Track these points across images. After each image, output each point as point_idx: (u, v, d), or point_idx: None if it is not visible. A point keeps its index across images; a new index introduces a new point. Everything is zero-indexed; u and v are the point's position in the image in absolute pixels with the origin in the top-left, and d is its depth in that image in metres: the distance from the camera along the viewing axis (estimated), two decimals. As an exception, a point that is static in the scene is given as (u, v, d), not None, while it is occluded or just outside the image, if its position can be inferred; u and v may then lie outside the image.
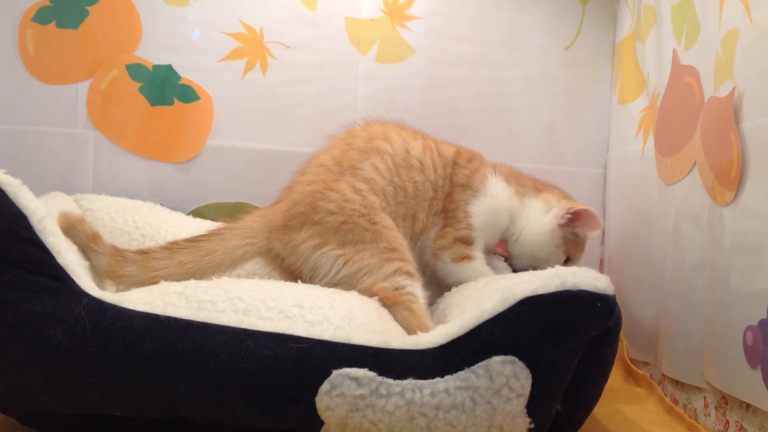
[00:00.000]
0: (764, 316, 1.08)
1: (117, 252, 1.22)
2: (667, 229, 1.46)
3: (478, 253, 1.50)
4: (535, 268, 1.26)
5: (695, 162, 1.32)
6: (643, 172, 1.61)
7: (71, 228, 1.20)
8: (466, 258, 1.48)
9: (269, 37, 1.90)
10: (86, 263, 1.18)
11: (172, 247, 1.27)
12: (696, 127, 1.33)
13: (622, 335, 1.68)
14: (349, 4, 1.90)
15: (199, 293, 1.13)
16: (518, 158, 1.93)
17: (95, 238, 1.21)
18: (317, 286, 1.26)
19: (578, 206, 1.50)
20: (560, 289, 0.99)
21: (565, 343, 0.99)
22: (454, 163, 1.54)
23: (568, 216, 1.50)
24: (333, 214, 1.34)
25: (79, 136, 1.85)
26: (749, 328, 1.12)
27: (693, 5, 1.40)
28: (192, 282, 1.16)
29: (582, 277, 1.01)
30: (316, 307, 1.12)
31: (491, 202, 1.53)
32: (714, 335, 1.24)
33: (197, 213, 1.88)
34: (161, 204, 1.82)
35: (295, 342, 0.97)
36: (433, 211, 1.50)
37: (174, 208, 1.84)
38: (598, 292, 1.00)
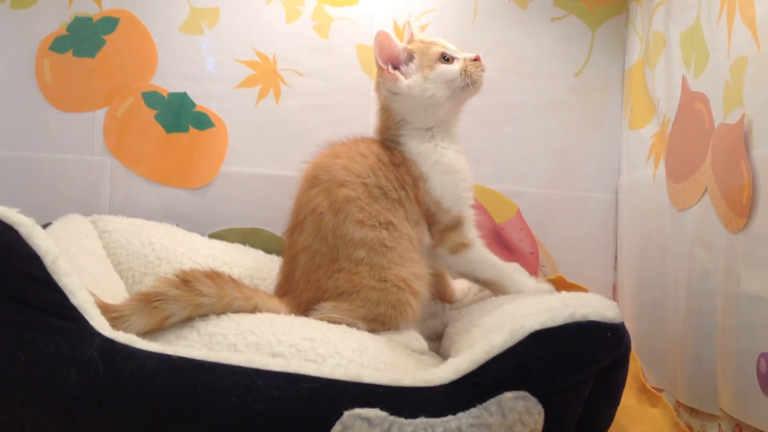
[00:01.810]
0: (777, 343, 1.09)
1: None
2: (680, 255, 1.46)
3: (473, 236, 1.48)
4: None
5: (706, 188, 1.33)
6: (655, 197, 1.61)
7: None
8: (462, 246, 1.46)
9: (282, 64, 1.92)
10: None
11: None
12: (707, 153, 1.33)
13: (637, 358, 1.68)
14: (361, 32, 1.92)
15: (210, 327, 1.15)
16: (528, 183, 1.95)
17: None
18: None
19: None
20: (569, 321, 0.99)
21: (576, 376, 0.99)
22: (394, 165, 1.45)
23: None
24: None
25: (95, 163, 1.87)
26: (762, 355, 1.12)
27: (702, 32, 1.40)
28: (203, 314, 1.17)
29: (591, 307, 1.01)
30: (327, 340, 1.13)
31: (428, 163, 1.46)
32: (728, 362, 1.24)
33: (214, 237, 1.89)
34: (177, 225, 1.83)
35: (306, 382, 0.96)
36: (413, 223, 1.42)
37: (189, 234, 1.85)
38: (607, 321, 1.00)
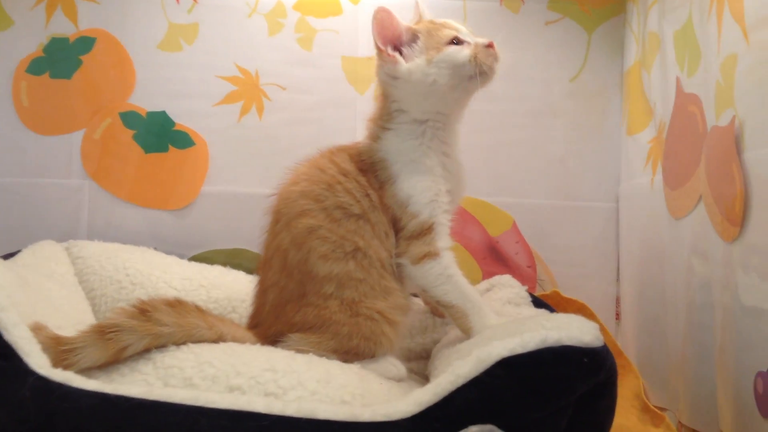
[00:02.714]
0: (774, 363, 0.99)
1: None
2: (678, 266, 1.37)
3: (442, 246, 1.29)
4: None
5: (701, 196, 1.24)
6: (653, 205, 1.52)
7: None
8: (427, 256, 1.27)
9: (265, 79, 1.86)
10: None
11: None
12: (701, 158, 1.24)
13: (640, 376, 1.58)
14: (345, 43, 1.86)
15: (168, 359, 1.08)
16: (524, 194, 1.86)
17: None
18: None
19: None
20: (541, 347, 0.90)
21: (548, 406, 0.90)
22: (361, 171, 1.33)
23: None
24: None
25: (74, 186, 1.83)
26: (759, 374, 1.03)
27: (694, 30, 1.32)
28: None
29: (566, 331, 0.92)
30: (291, 370, 1.06)
31: (403, 161, 1.32)
32: (727, 380, 1.14)
33: (196, 260, 1.83)
34: (155, 248, 1.78)
35: (253, 420, 0.88)
36: (382, 237, 1.31)
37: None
38: (583, 346, 0.91)
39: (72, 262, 1.64)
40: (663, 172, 1.46)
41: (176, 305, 1.17)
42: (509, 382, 0.89)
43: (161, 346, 1.11)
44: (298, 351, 1.21)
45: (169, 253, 1.78)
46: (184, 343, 1.13)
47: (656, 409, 1.50)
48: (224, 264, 1.78)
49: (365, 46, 1.85)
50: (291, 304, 1.27)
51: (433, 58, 1.30)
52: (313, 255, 1.25)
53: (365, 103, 1.85)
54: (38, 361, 0.95)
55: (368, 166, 1.34)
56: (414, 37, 1.34)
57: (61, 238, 1.73)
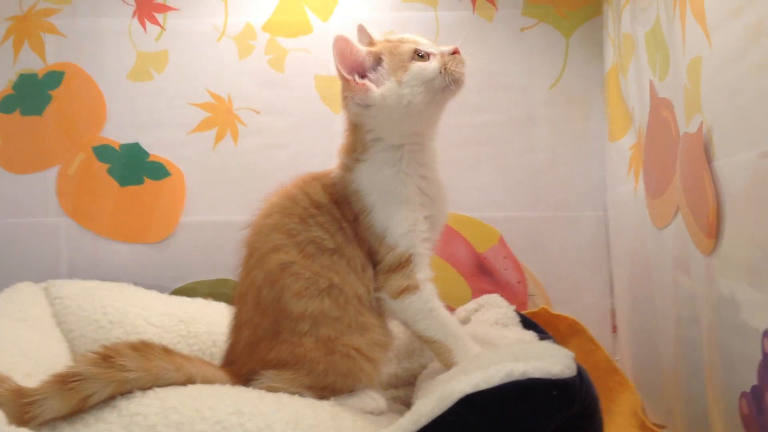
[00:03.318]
0: (756, 382, 0.94)
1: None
2: (665, 278, 1.32)
3: (422, 279, 1.24)
4: None
5: (678, 206, 1.19)
6: (637, 214, 1.47)
7: None
8: (406, 290, 1.22)
9: (238, 103, 1.83)
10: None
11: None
12: (676, 166, 1.19)
13: (637, 392, 1.53)
14: (317, 62, 1.82)
15: (133, 406, 1.04)
16: (509, 207, 1.82)
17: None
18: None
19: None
20: (505, 381, 0.86)
21: (517, 444, 0.87)
22: (335, 203, 1.27)
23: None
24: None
25: (50, 224, 1.81)
26: (743, 394, 0.98)
27: (662, 32, 1.27)
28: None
29: (533, 362, 0.88)
30: (258, 412, 1.01)
31: (377, 192, 1.26)
32: (716, 400, 1.09)
33: (180, 292, 1.80)
34: (135, 283, 1.74)
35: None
36: (359, 271, 1.25)
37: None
38: (552, 378, 0.87)
39: (50, 302, 1.61)
40: (644, 180, 1.41)
41: (141, 348, 1.14)
42: (473, 420, 0.85)
43: (127, 392, 1.08)
44: (272, 388, 1.17)
45: (151, 287, 1.75)
46: (150, 387, 1.10)
47: (654, 427, 1.45)
48: (208, 295, 1.74)
49: (337, 64, 1.82)
50: (265, 342, 1.23)
51: (402, 79, 1.24)
52: (287, 293, 1.21)
53: (341, 123, 1.80)
54: (-10, 419, 0.92)
55: (342, 198, 1.28)
56: (377, 60, 1.26)
57: (42, 278, 1.70)
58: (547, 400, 0.86)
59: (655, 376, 1.45)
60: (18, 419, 0.99)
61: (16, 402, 1.00)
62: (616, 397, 1.54)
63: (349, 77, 1.24)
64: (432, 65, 1.25)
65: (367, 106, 1.25)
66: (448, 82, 1.25)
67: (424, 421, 0.86)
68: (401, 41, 1.29)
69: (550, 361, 0.89)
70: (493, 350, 1.16)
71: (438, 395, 0.87)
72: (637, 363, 1.57)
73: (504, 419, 0.85)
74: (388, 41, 1.30)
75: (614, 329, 1.79)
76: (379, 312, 1.27)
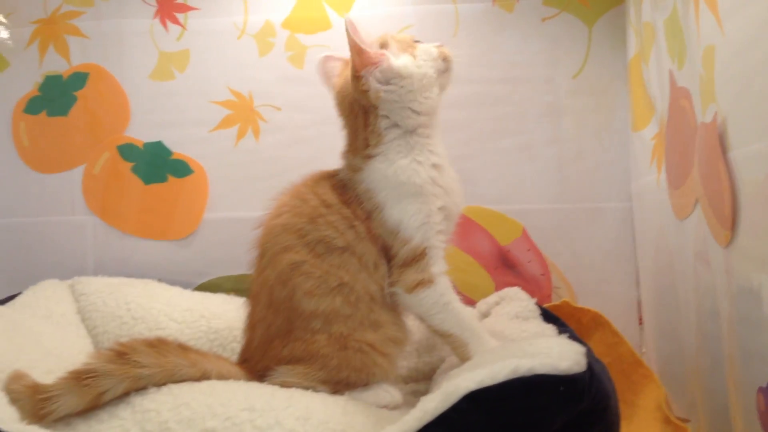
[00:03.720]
0: (772, 377, 0.92)
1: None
2: (686, 270, 1.29)
3: (437, 272, 1.24)
4: None
5: (697, 197, 1.16)
6: (660, 205, 1.43)
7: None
8: (420, 284, 1.22)
9: (259, 100, 1.84)
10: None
11: None
12: (695, 156, 1.17)
13: (662, 385, 1.50)
14: (337, 57, 1.81)
15: (147, 402, 1.06)
16: (533, 200, 1.79)
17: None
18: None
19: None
20: (511, 377, 0.85)
21: (522, 440, 0.85)
22: (344, 203, 1.27)
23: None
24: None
25: (77, 223, 1.84)
26: (760, 390, 0.95)
27: (679, 19, 1.24)
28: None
29: (540, 358, 0.86)
30: (269, 408, 1.02)
31: (389, 188, 1.26)
32: (736, 394, 1.06)
33: (204, 288, 1.82)
34: (159, 280, 1.77)
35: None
36: (371, 269, 1.25)
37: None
38: (559, 374, 0.86)
39: (75, 299, 1.64)
40: (666, 170, 1.38)
41: (156, 345, 1.15)
42: (477, 417, 0.84)
43: (142, 388, 1.09)
44: (286, 383, 1.18)
45: (176, 283, 1.77)
46: (165, 383, 1.11)
47: (678, 421, 1.42)
48: (231, 290, 1.76)
49: (357, 59, 1.81)
50: (278, 340, 1.24)
51: (415, 53, 1.28)
52: (298, 291, 1.22)
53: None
54: (2, 416, 0.94)
55: (352, 199, 1.28)
56: (384, 44, 1.29)
57: (69, 275, 1.73)
58: (554, 396, 0.85)
59: (679, 369, 1.42)
60: (33, 415, 1.01)
61: (32, 398, 1.02)
62: (641, 390, 1.51)
63: (369, 49, 1.24)
64: (433, 47, 1.31)
65: (387, 83, 1.26)
66: (447, 66, 1.31)
67: (428, 418, 0.86)
68: (397, 35, 1.33)
69: (558, 356, 0.88)
70: (503, 346, 1.15)
71: (442, 391, 0.86)
72: (661, 355, 1.54)
73: (509, 416, 0.84)
74: (383, 35, 1.31)
75: (640, 321, 1.75)
76: (393, 308, 1.27)
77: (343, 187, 1.30)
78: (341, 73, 1.36)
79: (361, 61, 1.25)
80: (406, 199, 1.25)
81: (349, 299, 1.21)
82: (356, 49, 1.23)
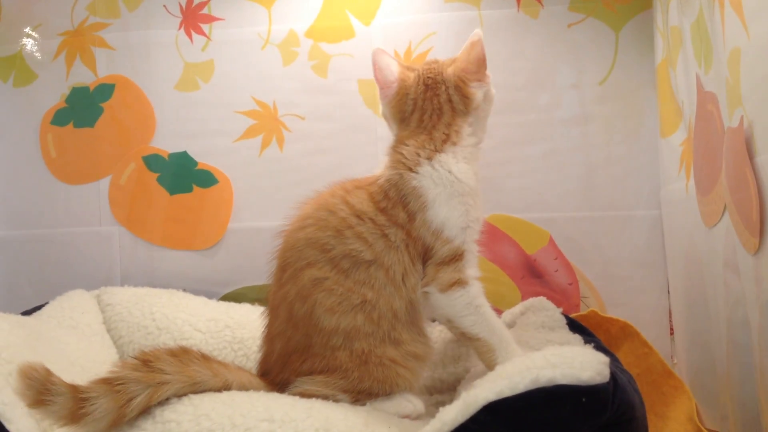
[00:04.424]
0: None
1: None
2: (715, 278, 1.26)
3: (472, 275, 1.25)
4: None
5: (725, 203, 1.13)
6: (688, 213, 1.40)
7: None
8: (456, 284, 1.23)
9: (283, 110, 1.84)
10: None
11: None
12: (722, 162, 1.14)
13: (692, 397, 1.46)
14: (360, 67, 1.80)
15: (167, 412, 1.06)
16: (560, 208, 1.76)
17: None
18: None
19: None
20: (531, 387, 0.83)
21: (543, 453, 0.83)
22: (380, 210, 1.27)
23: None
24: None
25: (104, 233, 1.85)
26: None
27: (705, 23, 1.21)
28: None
29: (561, 369, 0.84)
30: (289, 419, 1.01)
31: (445, 184, 1.27)
32: (767, 406, 1.03)
33: (229, 298, 1.82)
34: (184, 290, 1.77)
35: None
36: (398, 281, 1.24)
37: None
38: (581, 384, 0.83)
39: (101, 309, 1.66)
40: (695, 176, 1.35)
41: (179, 354, 1.15)
42: (497, 429, 0.83)
43: (165, 398, 1.09)
44: (307, 391, 1.18)
45: (201, 293, 1.78)
46: (187, 393, 1.11)
47: (709, 433, 1.38)
48: (256, 300, 1.76)
49: (380, 68, 1.81)
50: (297, 354, 1.23)
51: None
52: (319, 308, 1.21)
53: (385, 127, 1.79)
54: (20, 428, 0.95)
55: (396, 201, 1.28)
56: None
57: (96, 285, 1.75)
58: (576, 407, 0.83)
59: (710, 380, 1.38)
60: (72, 414, 1.00)
61: (73, 396, 1.01)
62: (671, 401, 1.48)
63: (485, 70, 1.36)
64: None
65: (483, 99, 1.35)
66: None
67: (446, 429, 0.84)
68: None
69: (580, 366, 0.86)
70: (524, 356, 1.12)
71: (461, 402, 0.85)
72: (692, 366, 1.51)
73: (529, 427, 0.82)
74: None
75: (671, 331, 1.72)
76: (416, 324, 1.26)
77: (385, 192, 1.29)
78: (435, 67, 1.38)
79: (478, 73, 1.35)
80: (456, 198, 1.27)
81: (372, 317, 1.20)
82: (482, 63, 1.35)
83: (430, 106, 1.34)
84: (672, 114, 1.54)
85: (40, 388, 1.00)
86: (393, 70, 1.37)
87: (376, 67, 1.37)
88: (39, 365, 1.03)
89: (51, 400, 1.00)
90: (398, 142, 1.36)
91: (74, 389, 1.01)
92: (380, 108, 1.44)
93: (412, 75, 1.37)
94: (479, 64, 1.34)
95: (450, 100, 1.33)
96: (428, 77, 1.35)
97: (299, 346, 1.23)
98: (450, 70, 1.35)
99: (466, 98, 1.33)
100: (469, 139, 1.33)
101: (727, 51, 1.04)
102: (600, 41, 1.77)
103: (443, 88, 1.34)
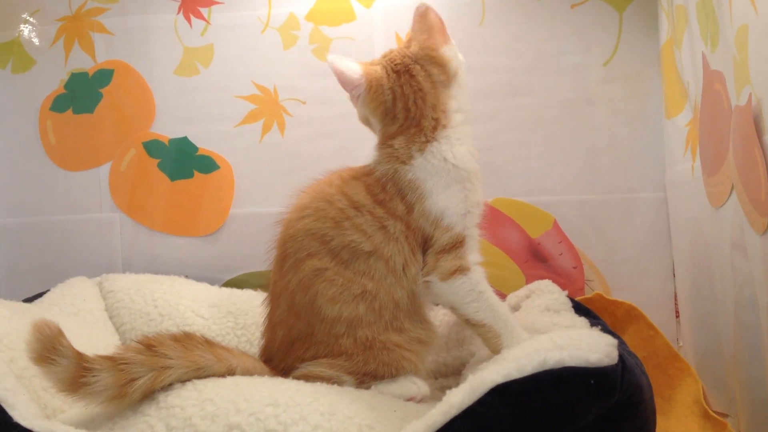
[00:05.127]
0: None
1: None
2: (722, 260, 1.24)
3: (473, 261, 1.23)
4: None
5: (732, 183, 1.11)
6: (694, 194, 1.39)
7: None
8: (457, 271, 1.20)
9: (284, 94, 1.82)
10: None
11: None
12: (729, 141, 1.12)
13: (699, 379, 1.45)
14: (362, 49, 1.78)
15: (171, 398, 1.05)
16: (564, 191, 1.75)
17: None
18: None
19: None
20: (539, 370, 0.82)
21: (550, 436, 0.82)
22: (378, 203, 1.25)
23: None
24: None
25: (104, 220, 1.84)
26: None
27: (712, 0, 1.19)
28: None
29: (569, 350, 0.83)
30: (294, 404, 1.00)
31: (441, 173, 1.24)
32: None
33: (231, 284, 1.81)
34: (186, 276, 1.76)
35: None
36: (399, 271, 1.23)
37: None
38: (589, 366, 0.82)
39: (103, 296, 1.65)
40: (701, 157, 1.34)
41: (182, 339, 1.14)
42: (504, 411, 0.81)
43: (168, 383, 1.08)
44: (311, 373, 1.17)
45: (203, 279, 1.77)
46: (191, 378, 1.10)
47: (717, 416, 1.37)
48: (258, 286, 1.74)
49: (382, 50, 1.76)
50: (299, 342, 1.23)
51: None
52: (321, 298, 1.21)
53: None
54: (22, 413, 0.94)
55: (393, 194, 1.25)
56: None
57: (97, 272, 1.73)
58: (584, 389, 0.82)
59: (716, 363, 1.37)
60: (72, 380, 1.00)
61: (77, 363, 1.01)
62: (678, 384, 1.47)
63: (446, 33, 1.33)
64: None
65: (460, 67, 1.31)
66: None
67: (453, 412, 0.83)
68: None
69: (588, 348, 0.84)
70: (532, 338, 1.11)
71: (468, 385, 0.84)
72: (698, 349, 1.50)
73: (537, 410, 0.81)
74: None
75: (677, 314, 1.71)
76: (417, 313, 1.25)
77: (382, 185, 1.27)
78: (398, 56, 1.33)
79: (442, 38, 1.31)
80: (454, 186, 1.25)
81: (373, 307, 1.20)
82: (441, 27, 1.32)
83: (410, 89, 1.28)
84: (677, 94, 1.52)
85: (48, 345, 1.00)
86: (354, 68, 1.32)
87: (337, 73, 1.32)
88: (53, 323, 1.02)
89: (56, 360, 1.00)
90: (388, 138, 1.32)
91: (80, 356, 1.01)
92: (357, 114, 1.40)
93: (378, 68, 1.32)
94: (439, 29, 1.30)
95: (429, 75, 1.28)
96: (396, 64, 1.30)
97: (302, 334, 1.22)
98: (414, 47, 1.31)
99: (442, 65, 1.29)
100: (456, 116, 1.29)
101: (735, 28, 1.02)
102: (604, 22, 1.75)
103: (417, 67, 1.28)
